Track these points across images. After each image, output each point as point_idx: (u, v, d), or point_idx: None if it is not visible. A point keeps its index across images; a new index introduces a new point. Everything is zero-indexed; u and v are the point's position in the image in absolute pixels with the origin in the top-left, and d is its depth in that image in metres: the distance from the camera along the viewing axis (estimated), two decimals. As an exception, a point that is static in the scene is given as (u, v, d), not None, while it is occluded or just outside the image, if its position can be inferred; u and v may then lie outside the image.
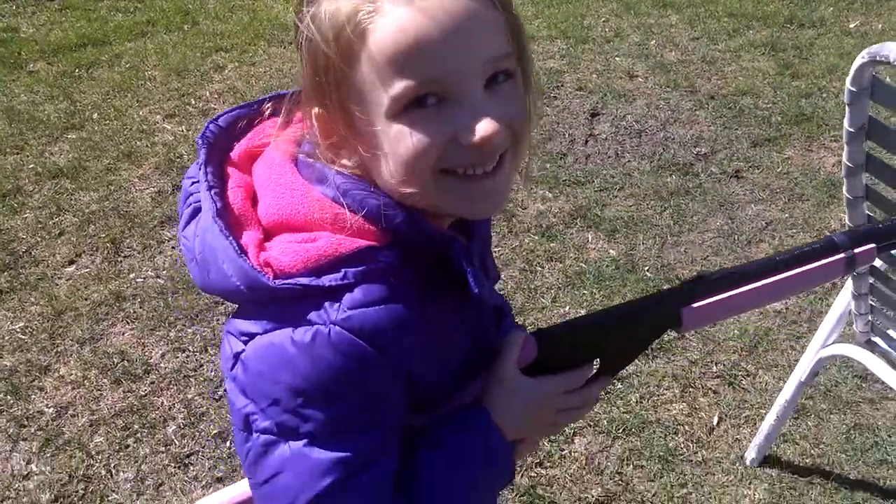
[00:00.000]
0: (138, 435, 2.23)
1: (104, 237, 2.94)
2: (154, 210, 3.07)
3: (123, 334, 2.55)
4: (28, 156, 3.43)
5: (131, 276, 2.77)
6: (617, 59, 4.04)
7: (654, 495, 2.05)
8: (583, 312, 2.50)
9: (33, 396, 2.35)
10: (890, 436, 2.17)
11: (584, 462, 2.13)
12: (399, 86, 0.71)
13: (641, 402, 2.28)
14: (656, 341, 2.25)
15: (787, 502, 2.02)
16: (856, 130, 1.30)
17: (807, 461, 2.12)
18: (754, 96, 3.68)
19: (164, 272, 2.78)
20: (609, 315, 0.92)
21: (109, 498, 2.08)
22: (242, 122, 0.87)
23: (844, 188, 1.43)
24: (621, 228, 2.93)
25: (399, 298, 0.75)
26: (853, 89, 1.23)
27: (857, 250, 0.95)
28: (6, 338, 2.55)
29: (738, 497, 2.04)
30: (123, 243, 2.92)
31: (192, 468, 2.14)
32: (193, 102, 3.77)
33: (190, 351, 2.48)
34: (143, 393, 2.35)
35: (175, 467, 2.14)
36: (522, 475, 2.09)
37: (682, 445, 2.17)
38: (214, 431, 2.22)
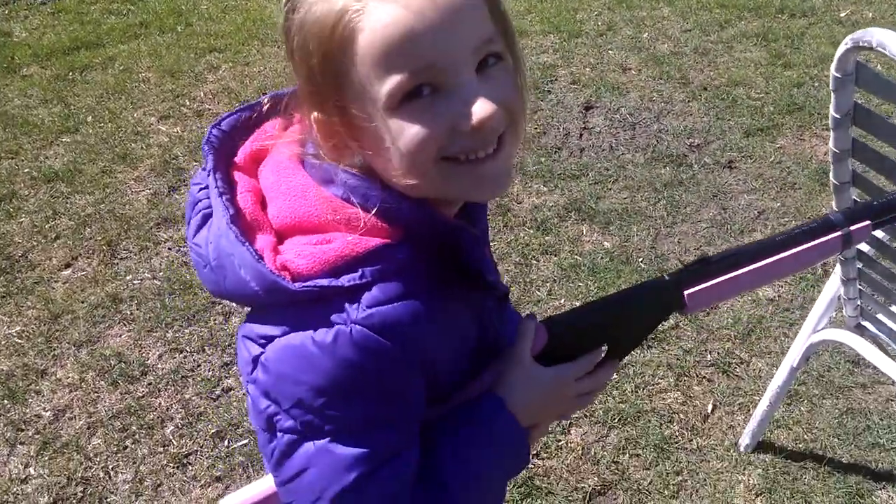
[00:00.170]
0: (136, 436, 2.24)
1: (100, 240, 2.95)
2: (150, 212, 3.08)
3: (120, 336, 2.57)
4: (23, 160, 3.44)
5: (128, 278, 2.79)
6: (610, 52, 4.05)
7: (649, 483, 2.06)
8: (578, 305, 2.51)
9: (30, 400, 2.37)
10: (881, 419, 2.19)
11: (580, 452, 2.14)
12: (392, 80, 0.71)
13: (637, 392, 2.30)
14: (653, 331, 2.25)
15: (781, 487, 2.03)
16: (841, 116, 1.30)
17: (800, 446, 2.14)
18: (746, 87, 3.69)
19: (161, 273, 2.79)
20: (614, 301, 0.94)
21: (108, 500, 2.09)
22: (245, 124, 0.88)
23: (831, 174, 1.44)
24: (615, 220, 2.94)
25: (416, 293, 0.77)
26: (838, 75, 1.24)
27: (852, 227, 0.97)
28: (3, 342, 2.56)
29: (732, 483, 2.05)
30: (119, 245, 2.94)
31: (190, 468, 2.16)
32: (188, 103, 3.78)
33: (187, 351, 2.49)
34: (140, 394, 2.37)
35: (174, 467, 2.16)
36: (519, 467, 2.10)
37: (677, 433, 2.19)
38: (212, 431, 2.24)
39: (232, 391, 2.35)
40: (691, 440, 2.17)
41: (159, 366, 2.45)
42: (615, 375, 2.34)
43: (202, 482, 2.11)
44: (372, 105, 0.74)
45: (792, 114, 3.48)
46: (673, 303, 0.94)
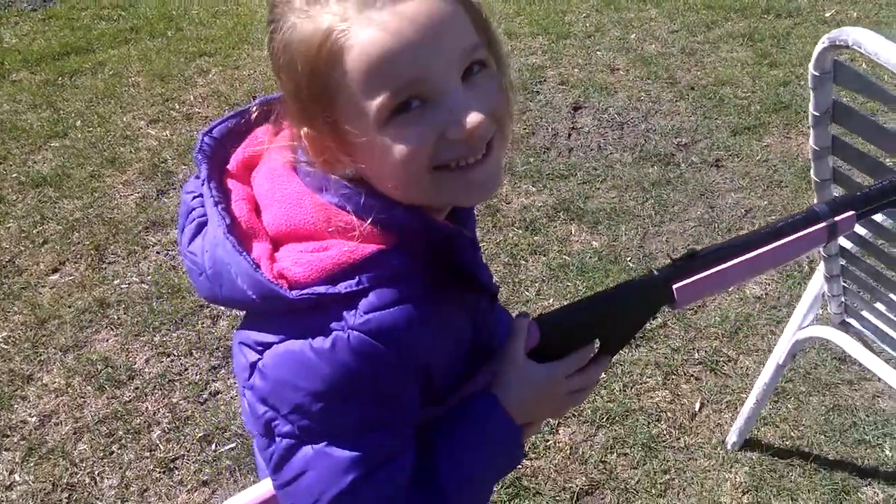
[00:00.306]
0: (123, 441, 2.24)
1: (88, 244, 2.94)
2: (138, 216, 3.08)
3: (107, 341, 2.56)
4: (11, 165, 3.43)
5: (115, 282, 2.78)
6: (598, 53, 4.06)
7: (637, 482, 2.06)
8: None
9: (16, 406, 2.36)
10: (868, 416, 2.19)
11: (568, 452, 2.14)
12: (380, 97, 0.73)
13: (625, 391, 2.30)
14: (641, 330, 2.25)
15: (768, 484, 2.04)
16: (821, 114, 1.31)
17: (787, 443, 2.14)
18: (733, 86, 3.70)
19: (149, 277, 2.79)
20: (604, 297, 0.95)
21: None
22: (236, 130, 0.88)
23: (812, 171, 1.45)
24: (604, 220, 2.95)
25: (411, 298, 0.78)
26: (816, 74, 1.24)
27: (837, 218, 0.98)
28: (-9, 347, 2.55)
29: (719, 481, 2.05)
30: (108, 250, 2.93)
31: (177, 472, 2.15)
32: (177, 107, 3.77)
33: (174, 355, 2.49)
34: (127, 399, 2.36)
35: (160, 472, 2.15)
36: (506, 467, 2.10)
37: (665, 432, 2.19)
38: (200, 435, 2.23)
39: (219, 395, 2.35)
40: (679, 438, 2.17)
41: (146, 370, 2.45)
42: (603, 375, 2.34)
43: (189, 487, 2.11)
44: (363, 120, 0.75)
45: (778, 112, 3.49)
46: (662, 298, 0.95)
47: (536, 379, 0.90)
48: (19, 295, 2.74)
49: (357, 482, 0.78)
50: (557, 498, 2.04)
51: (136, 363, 2.47)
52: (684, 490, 2.04)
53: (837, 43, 1.18)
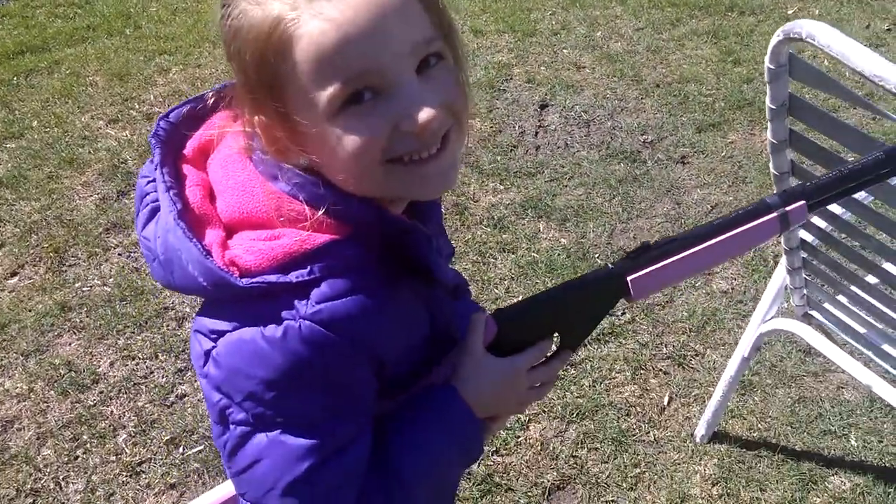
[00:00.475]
0: (88, 445, 2.19)
1: (47, 247, 2.88)
2: (99, 217, 3.02)
3: (70, 344, 2.51)
4: (-33, 167, 3.35)
5: (77, 285, 2.72)
6: (564, 51, 4.07)
7: (608, 476, 2.07)
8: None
9: (-23, 411, 2.30)
10: (833, 406, 2.23)
11: (539, 448, 2.14)
12: (331, 88, 0.72)
13: (594, 387, 2.31)
14: (610, 324, 2.25)
15: (736, 476, 2.06)
16: (777, 107, 1.32)
17: (754, 435, 2.16)
18: (698, 83, 3.74)
19: (111, 280, 2.73)
20: (559, 291, 0.96)
21: (59, 510, 2.04)
22: (193, 116, 0.87)
23: (771, 164, 1.46)
24: (572, 217, 2.96)
25: (364, 289, 0.77)
26: (772, 67, 1.25)
27: (788, 208, 0.99)
28: (-52, 353, 2.49)
29: (689, 473, 2.07)
30: (68, 252, 2.87)
31: (144, 476, 2.11)
32: (137, 107, 3.71)
33: (139, 358, 2.44)
34: (91, 403, 2.31)
35: (127, 476, 2.11)
36: (479, 464, 2.10)
37: (635, 426, 2.20)
38: (166, 438, 2.20)
39: (186, 398, 2.31)
40: (648, 432, 2.19)
41: (111, 373, 2.40)
42: (573, 371, 2.35)
43: (156, 490, 2.07)
44: (313, 111, 0.74)
45: (742, 109, 3.53)
46: (618, 290, 0.95)
47: (494, 371, 0.91)
48: (-23, 299, 2.68)
49: (311, 470, 0.78)
50: (529, 493, 2.04)
51: (99, 367, 2.42)
52: (654, 483, 2.06)
53: (792, 35, 1.19)
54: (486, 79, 3.78)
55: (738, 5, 4.43)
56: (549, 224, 2.93)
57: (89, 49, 4.24)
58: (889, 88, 1.08)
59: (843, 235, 1.64)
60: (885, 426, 2.17)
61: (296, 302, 0.75)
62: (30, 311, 2.62)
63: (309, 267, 0.75)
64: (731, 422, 2.20)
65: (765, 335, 1.91)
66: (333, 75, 0.71)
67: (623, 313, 2.53)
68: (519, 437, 2.18)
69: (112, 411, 2.29)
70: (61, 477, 2.12)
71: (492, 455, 2.13)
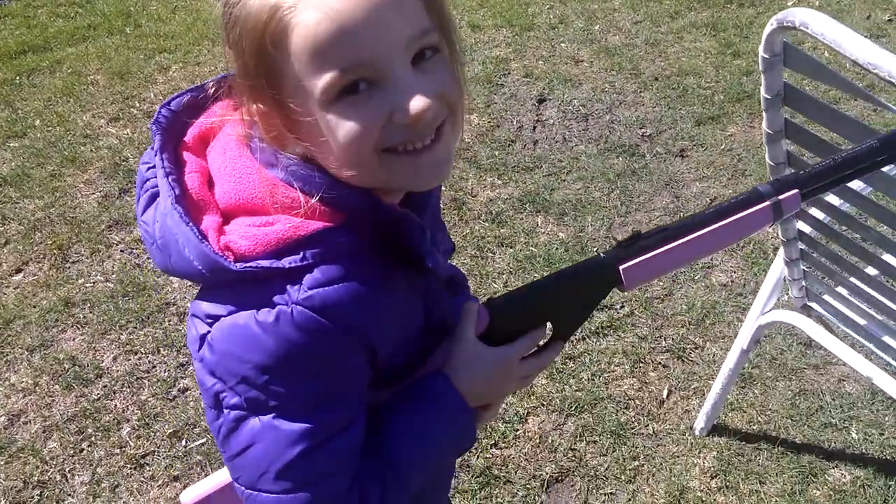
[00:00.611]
0: (92, 438, 2.22)
1: (51, 244, 2.90)
2: (101, 214, 3.03)
3: (74, 340, 2.53)
4: (-31, 165, 3.37)
5: (80, 281, 2.74)
6: (562, 45, 4.08)
7: (606, 469, 2.09)
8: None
9: (-17, 407, 2.33)
10: (834, 399, 2.24)
11: (538, 441, 2.16)
12: (326, 77, 0.73)
13: (593, 380, 2.32)
14: (609, 317, 2.25)
15: (736, 469, 2.07)
16: (772, 97, 1.33)
17: (754, 428, 2.18)
18: (697, 76, 3.74)
19: (114, 276, 2.75)
20: (551, 280, 0.96)
21: (65, 502, 2.07)
22: (194, 104, 0.88)
23: (766, 155, 1.47)
24: (570, 211, 2.97)
25: (356, 276, 0.78)
26: (766, 56, 1.26)
27: (780, 196, 0.99)
28: (-48, 350, 2.51)
29: (688, 466, 2.08)
30: (71, 249, 2.89)
31: (147, 468, 2.13)
32: (138, 105, 3.72)
33: (142, 353, 2.46)
34: (95, 397, 2.33)
35: (131, 468, 2.13)
36: (478, 457, 2.11)
37: (633, 419, 2.21)
38: (169, 431, 2.22)
39: (188, 391, 2.33)
40: (647, 425, 2.20)
41: (114, 368, 2.42)
42: (571, 364, 2.36)
43: (160, 482, 2.09)
44: (308, 100, 0.75)
45: (741, 102, 3.54)
46: (610, 280, 0.96)
47: (486, 359, 0.92)
48: (-19, 296, 2.70)
49: (304, 454, 0.79)
50: (528, 486, 2.05)
51: (103, 361, 2.44)
52: (653, 476, 2.07)
53: (785, 24, 1.19)
54: (483, 73, 3.78)
55: (738, -2, 4.43)
56: (547, 218, 2.94)
57: (90, 48, 4.26)
58: (883, 76, 1.08)
59: (843, 227, 1.64)
60: (886, 419, 2.18)
61: (288, 287, 0.76)
62: (34, 306, 2.64)
63: (302, 253, 0.77)
64: (730, 415, 2.21)
65: (764, 327, 1.91)
66: (328, 65, 0.72)
67: (622, 306, 2.55)
68: (517, 429, 2.19)
69: (116, 405, 2.31)
70: (67, 469, 2.14)
71: (490, 448, 2.15)
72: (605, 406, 2.24)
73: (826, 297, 1.86)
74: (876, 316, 1.75)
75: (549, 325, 0.98)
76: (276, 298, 0.76)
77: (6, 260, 2.85)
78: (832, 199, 1.54)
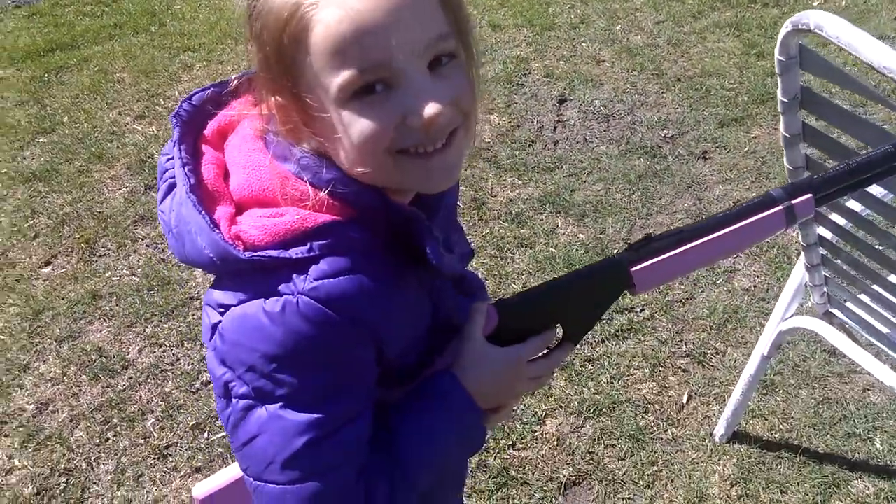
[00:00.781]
0: (118, 428, 2.26)
1: (79, 238, 2.95)
2: (127, 210, 3.08)
3: (101, 332, 2.58)
4: (0, 161, 3.43)
5: (106, 274, 2.79)
6: (583, 45, 4.07)
7: (624, 473, 2.09)
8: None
9: (14, 394, 2.39)
10: (858, 409, 2.22)
11: (555, 443, 2.17)
12: (343, 75, 0.75)
13: (612, 383, 2.33)
14: (629, 320, 2.23)
15: (756, 477, 2.06)
16: (789, 100, 1.32)
17: (775, 436, 2.16)
18: (720, 77, 3.72)
19: (139, 270, 2.80)
20: (562, 282, 0.97)
21: (90, 490, 2.11)
22: (215, 99, 0.90)
23: (785, 159, 1.45)
24: (590, 213, 2.97)
25: (364, 269, 0.79)
26: (782, 59, 1.24)
27: (794, 201, 0.98)
28: (-17, 341, 2.57)
29: (707, 473, 2.08)
30: (98, 243, 2.94)
31: (170, 459, 2.18)
32: (163, 103, 3.77)
33: (166, 346, 2.51)
34: (121, 388, 2.38)
35: (154, 459, 2.18)
36: (495, 457, 2.13)
37: (653, 424, 2.22)
38: (192, 423, 2.26)
39: (211, 384, 2.36)
40: (666, 430, 2.20)
41: (139, 360, 2.47)
42: (590, 366, 2.37)
43: (182, 473, 2.14)
44: (325, 96, 0.77)
45: (766, 103, 3.52)
46: (621, 282, 0.96)
47: (494, 359, 0.92)
48: (14, 287, 2.76)
49: (310, 445, 0.80)
50: (545, 488, 2.06)
51: (129, 353, 2.49)
52: (672, 482, 2.07)
53: (800, 27, 1.18)
54: (504, 73, 3.79)
55: (762, -2, 4.40)
56: (567, 219, 2.95)
57: (116, 46, 4.31)
58: (897, 79, 1.07)
59: (864, 234, 1.63)
60: (910, 429, 2.16)
61: (294, 277, 0.77)
62: (63, 298, 2.69)
63: (309, 244, 0.78)
64: (751, 422, 2.20)
65: (784, 333, 1.90)
66: (346, 64, 0.74)
67: (642, 310, 2.55)
68: (535, 431, 2.20)
69: (140, 396, 2.35)
70: (93, 458, 2.19)
71: (508, 448, 2.16)
72: (624, 410, 2.25)
73: (849, 305, 1.84)
74: (900, 325, 1.74)
75: (559, 328, 0.98)
76: (282, 288, 0.77)
77: (36, 253, 2.91)
78: (853, 204, 1.53)
